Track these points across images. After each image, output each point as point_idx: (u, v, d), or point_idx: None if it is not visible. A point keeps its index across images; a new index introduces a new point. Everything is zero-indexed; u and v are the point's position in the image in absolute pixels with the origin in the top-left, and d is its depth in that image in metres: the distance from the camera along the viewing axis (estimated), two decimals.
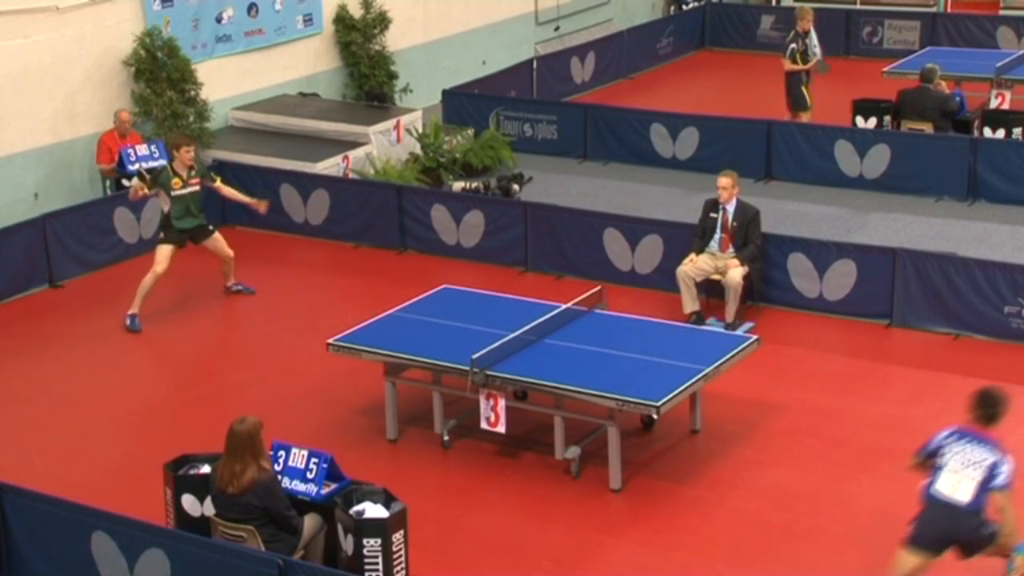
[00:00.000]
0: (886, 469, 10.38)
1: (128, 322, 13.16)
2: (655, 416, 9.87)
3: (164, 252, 13.22)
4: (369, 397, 11.54)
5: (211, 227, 13.58)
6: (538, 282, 14.13)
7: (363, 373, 11.70)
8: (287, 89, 18.81)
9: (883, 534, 9.50)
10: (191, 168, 13.17)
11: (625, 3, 25.28)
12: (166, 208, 13.24)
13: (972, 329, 12.66)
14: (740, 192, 13.09)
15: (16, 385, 12.25)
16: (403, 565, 8.61)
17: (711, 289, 13.08)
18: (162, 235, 13.38)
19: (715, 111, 18.65)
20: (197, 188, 13.30)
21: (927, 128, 16.96)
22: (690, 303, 12.86)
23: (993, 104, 17.91)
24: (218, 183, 13.66)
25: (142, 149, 15.72)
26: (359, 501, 8.67)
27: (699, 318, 12.80)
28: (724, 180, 12.95)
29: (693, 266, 12.90)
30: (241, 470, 8.40)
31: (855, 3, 25.23)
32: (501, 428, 10.36)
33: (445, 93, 19.32)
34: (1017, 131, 16.98)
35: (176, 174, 13.09)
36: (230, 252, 13.67)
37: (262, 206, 13.95)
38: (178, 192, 13.11)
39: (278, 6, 18.58)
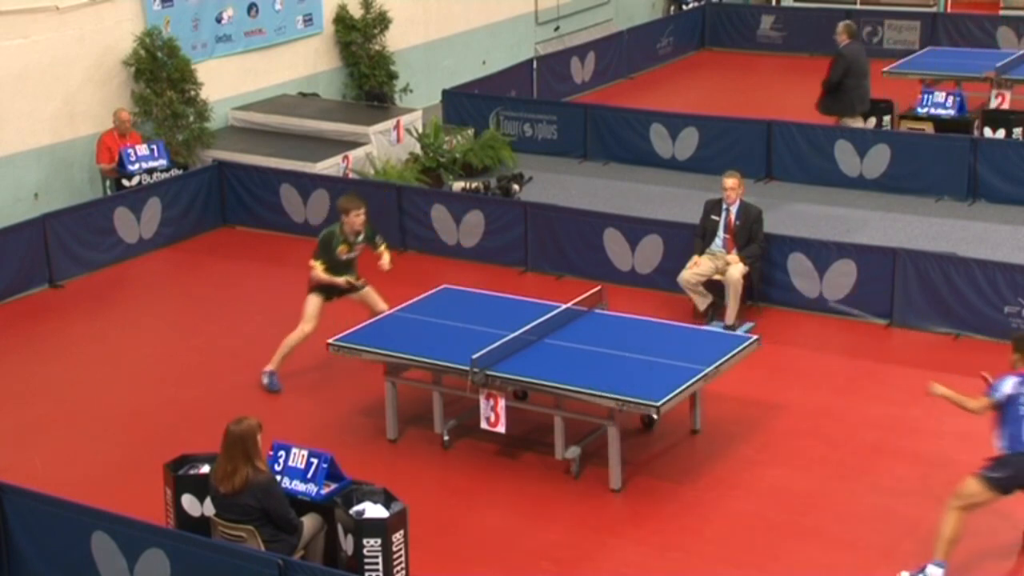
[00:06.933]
0: (886, 469, 10.39)
1: (265, 380, 11.83)
2: (655, 416, 9.87)
3: (314, 306, 11.76)
4: (369, 397, 11.54)
5: (362, 281, 11.97)
6: (538, 282, 14.12)
7: (363, 373, 11.70)
8: (287, 89, 18.81)
9: (883, 534, 9.51)
10: (358, 233, 11.72)
11: (625, 3, 25.27)
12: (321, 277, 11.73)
13: (972, 329, 12.65)
14: (744, 193, 13.09)
15: (16, 385, 12.24)
16: (403, 565, 8.60)
17: (711, 289, 13.06)
18: (313, 290, 11.84)
19: (715, 111, 18.64)
20: (359, 253, 11.90)
21: (927, 128, 16.96)
22: (702, 301, 12.89)
23: (993, 104, 17.91)
24: (382, 251, 11.99)
25: (142, 149, 15.72)
26: (359, 501, 8.67)
27: (716, 310, 12.86)
28: (730, 181, 12.91)
29: (693, 272, 12.89)
30: (233, 470, 8.40)
31: (855, 3, 25.22)
32: (501, 428, 10.35)
33: (445, 93, 19.30)
34: (1017, 131, 16.98)
35: (344, 240, 11.63)
36: (384, 307, 11.84)
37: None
38: (345, 257, 11.71)
39: (278, 6, 18.58)
